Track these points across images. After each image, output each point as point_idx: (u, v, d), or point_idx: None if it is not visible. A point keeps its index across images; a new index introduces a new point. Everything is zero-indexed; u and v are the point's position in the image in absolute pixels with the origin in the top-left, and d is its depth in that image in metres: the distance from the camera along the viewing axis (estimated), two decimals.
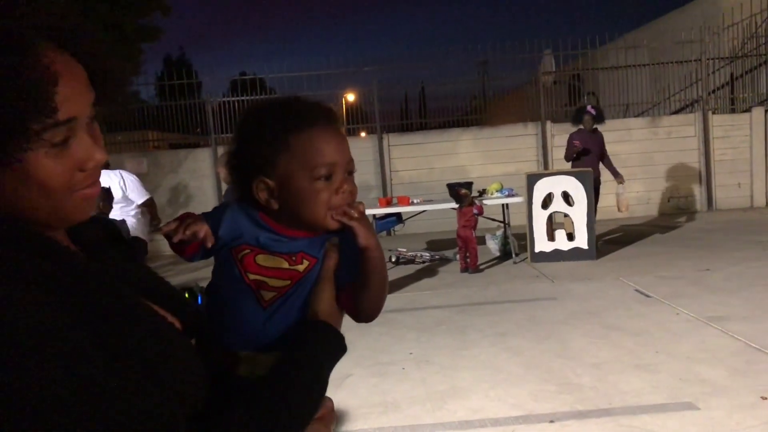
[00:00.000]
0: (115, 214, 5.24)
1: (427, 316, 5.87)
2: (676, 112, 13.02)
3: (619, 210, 8.65)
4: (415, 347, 4.96)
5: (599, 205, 8.68)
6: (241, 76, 13.26)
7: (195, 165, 12.25)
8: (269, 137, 0.99)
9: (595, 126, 8.51)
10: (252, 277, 0.98)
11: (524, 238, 8.36)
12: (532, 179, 8.18)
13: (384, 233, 10.87)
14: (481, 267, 7.93)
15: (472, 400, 3.86)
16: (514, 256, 8.36)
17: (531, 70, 12.86)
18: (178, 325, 0.85)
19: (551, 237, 8.12)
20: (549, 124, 12.21)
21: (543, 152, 12.17)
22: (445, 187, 8.79)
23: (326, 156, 0.99)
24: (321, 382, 0.92)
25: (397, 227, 9.69)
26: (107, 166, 5.16)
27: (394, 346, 5.03)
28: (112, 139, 12.51)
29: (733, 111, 12.79)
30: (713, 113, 12.38)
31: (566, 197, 8.06)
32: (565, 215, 8.17)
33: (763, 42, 12.80)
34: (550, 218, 8.15)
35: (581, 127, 8.56)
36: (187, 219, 1.02)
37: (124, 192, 5.46)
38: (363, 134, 13.16)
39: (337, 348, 0.96)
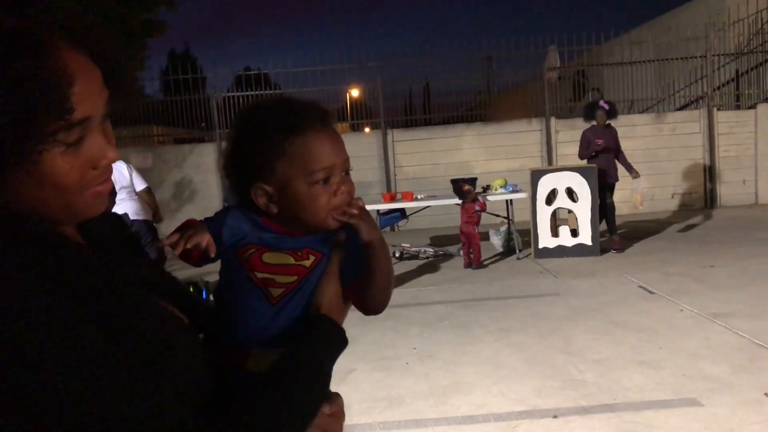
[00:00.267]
0: (122, 197, 6.01)
1: (430, 312, 5.88)
2: (680, 109, 12.98)
3: (637, 206, 8.45)
4: (419, 342, 4.97)
5: (618, 200, 8.55)
6: (246, 71, 13.28)
7: (199, 160, 12.27)
8: (265, 144, 0.99)
9: (608, 121, 8.28)
10: (259, 275, 0.99)
11: (528, 234, 8.36)
12: (536, 175, 8.18)
13: (388, 229, 10.87)
14: (485, 263, 7.93)
15: (475, 395, 3.87)
16: (517, 251, 8.37)
17: (536, 65, 12.86)
18: (185, 320, 0.86)
19: (555, 233, 8.12)
20: (553, 120, 12.19)
21: (547, 148, 12.16)
22: (449, 182, 8.80)
23: (323, 160, 0.99)
24: (322, 376, 0.92)
25: (401, 223, 9.69)
26: None
27: (397, 341, 5.04)
28: (117, 134, 12.29)
29: (738, 107, 12.75)
30: (718, 110, 12.35)
31: (570, 193, 8.05)
32: (569, 211, 8.16)
33: None
34: (554, 214, 8.15)
35: (594, 123, 8.31)
36: (188, 229, 1.03)
37: (131, 178, 6.17)
38: (367, 130, 13.17)
39: (338, 341, 0.96)
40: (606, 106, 8.24)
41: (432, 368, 4.40)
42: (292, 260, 1.00)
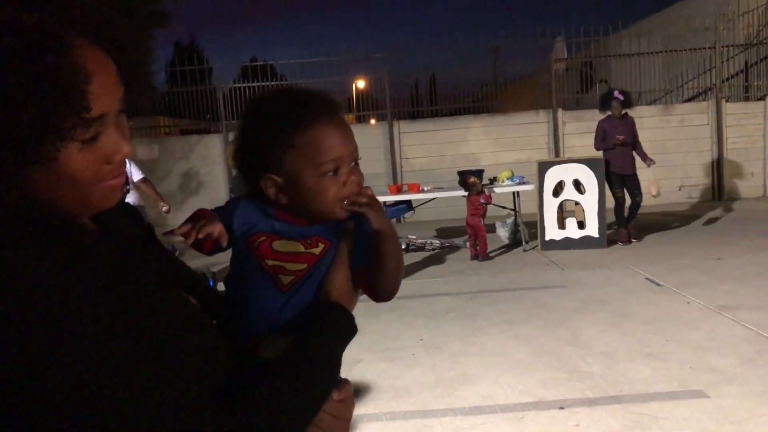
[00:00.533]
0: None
1: (437, 303, 5.89)
2: (688, 100, 12.91)
3: (652, 194, 8.32)
4: (425, 334, 4.98)
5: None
6: (252, 62, 13.25)
7: (206, 151, 12.29)
8: (273, 136, 0.99)
9: (624, 111, 8.16)
10: (270, 263, 1.00)
11: (535, 226, 8.34)
12: (543, 167, 8.15)
13: (394, 220, 10.88)
14: (491, 255, 7.93)
15: (481, 386, 3.88)
16: (524, 243, 8.36)
17: (543, 57, 12.79)
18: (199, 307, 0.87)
19: (562, 225, 8.10)
20: (561, 112, 12.14)
21: (554, 140, 12.12)
22: (455, 174, 8.78)
23: (332, 152, 0.99)
24: (332, 363, 0.93)
25: (408, 214, 9.70)
26: None
27: (404, 332, 5.06)
28: None
29: (746, 99, 12.67)
30: (727, 101, 12.28)
31: (577, 185, 8.02)
32: (576, 203, 8.14)
33: None
34: (560, 206, 8.13)
35: (609, 113, 8.18)
36: (199, 219, 1.03)
37: (129, 170, 6.40)
38: (373, 121, 13.14)
39: (348, 328, 0.97)
40: (621, 97, 8.12)
41: (438, 359, 4.41)
42: (302, 248, 1.01)
